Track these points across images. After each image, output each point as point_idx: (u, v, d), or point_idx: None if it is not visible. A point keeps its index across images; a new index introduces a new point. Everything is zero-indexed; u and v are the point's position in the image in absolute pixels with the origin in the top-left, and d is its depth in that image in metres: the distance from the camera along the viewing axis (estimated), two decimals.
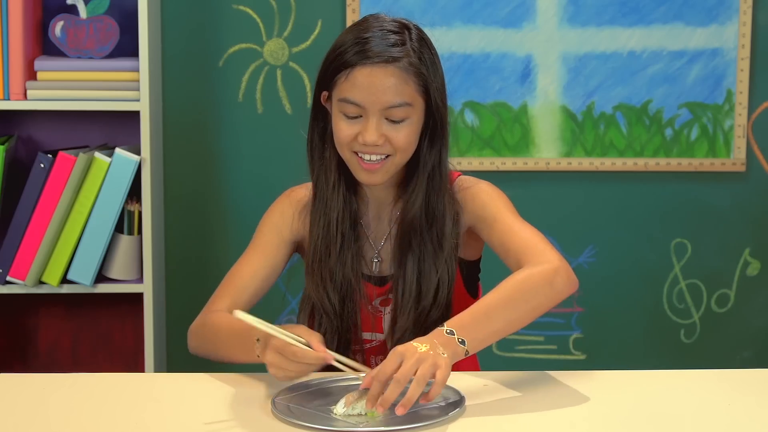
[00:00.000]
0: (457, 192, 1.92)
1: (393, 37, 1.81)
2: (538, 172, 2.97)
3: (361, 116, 1.81)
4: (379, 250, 1.94)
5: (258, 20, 2.90)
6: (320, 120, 1.90)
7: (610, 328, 3.03)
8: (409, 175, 1.90)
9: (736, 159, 2.98)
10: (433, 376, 1.59)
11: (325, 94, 1.87)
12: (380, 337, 1.94)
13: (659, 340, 3.06)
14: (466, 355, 1.68)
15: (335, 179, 1.89)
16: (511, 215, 1.88)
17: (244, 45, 2.91)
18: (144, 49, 2.60)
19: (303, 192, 1.97)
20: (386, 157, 1.83)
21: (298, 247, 1.99)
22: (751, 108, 2.98)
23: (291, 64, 2.92)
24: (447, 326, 1.68)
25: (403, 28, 1.84)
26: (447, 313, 1.89)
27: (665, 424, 1.59)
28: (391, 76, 1.79)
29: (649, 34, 2.94)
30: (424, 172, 1.88)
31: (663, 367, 1.94)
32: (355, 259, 1.90)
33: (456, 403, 1.62)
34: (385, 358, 1.67)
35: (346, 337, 1.91)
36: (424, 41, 1.85)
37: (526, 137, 2.96)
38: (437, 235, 1.88)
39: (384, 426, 1.55)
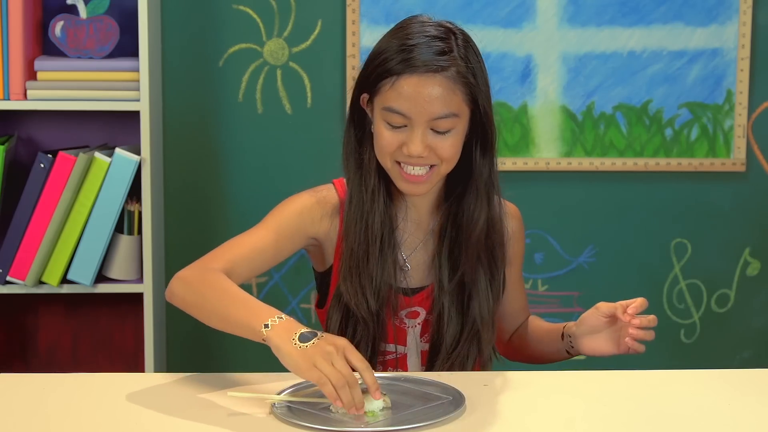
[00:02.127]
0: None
1: (439, 45, 1.75)
2: (538, 172, 2.97)
3: (405, 126, 1.76)
4: (407, 259, 1.88)
5: (258, 20, 2.90)
6: (358, 122, 1.84)
7: None
8: (454, 184, 1.85)
9: (736, 159, 2.98)
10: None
11: (365, 96, 1.81)
12: (402, 350, 1.89)
13: (659, 340, 3.04)
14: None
15: (375, 184, 1.83)
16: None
17: (244, 45, 2.91)
18: (144, 49, 2.60)
19: (329, 194, 1.89)
20: (431, 167, 1.78)
21: (311, 247, 1.92)
22: (751, 108, 2.98)
23: (291, 64, 2.92)
24: None
25: (449, 33, 1.77)
26: (492, 325, 1.88)
27: (665, 424, 1.59)
28: (438, 86, 1.73)
29: (649, 34, 2.94)
30: (481, 183, 1.83)
31: (663, 367, 1.94)
32: (393, 267, 1.84)
33: (456, 403, 1.62)
34: (402, 370, 1.70)
35: (376, 347, 1.86)
36: (470, 46, 1.79)
37: (526, 137, 2.96)
38: (493, 247, 1.87)
39: (384, 426, 1.55)
